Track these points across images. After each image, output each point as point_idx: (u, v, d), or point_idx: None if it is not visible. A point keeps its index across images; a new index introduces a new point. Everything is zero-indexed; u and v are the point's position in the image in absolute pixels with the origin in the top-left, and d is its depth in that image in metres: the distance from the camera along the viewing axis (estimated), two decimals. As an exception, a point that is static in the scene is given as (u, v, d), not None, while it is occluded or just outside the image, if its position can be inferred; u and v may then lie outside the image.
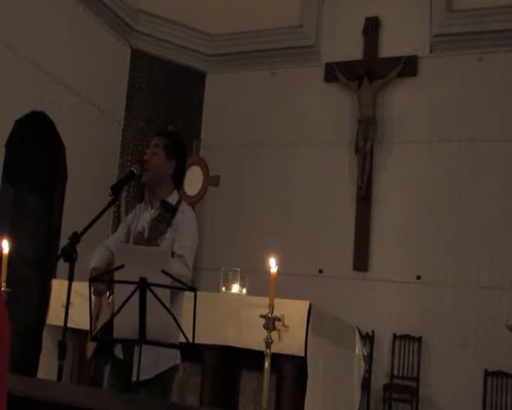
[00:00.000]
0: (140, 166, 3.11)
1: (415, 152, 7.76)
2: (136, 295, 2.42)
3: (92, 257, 3.05)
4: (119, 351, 2.95)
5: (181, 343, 2.58)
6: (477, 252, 7.22)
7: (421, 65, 7.89)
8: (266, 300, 3.43)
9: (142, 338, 2.47)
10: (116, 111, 8.24)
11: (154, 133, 3.29)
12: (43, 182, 7.34)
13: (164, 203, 3.07)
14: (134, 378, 2.74)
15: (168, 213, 3.03)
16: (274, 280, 3.38)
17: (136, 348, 2.75)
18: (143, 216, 3.13)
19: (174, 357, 2.98)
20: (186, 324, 2.47)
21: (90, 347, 2.99)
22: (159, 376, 2.91)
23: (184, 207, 3.12)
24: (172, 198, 3.11)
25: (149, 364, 2.83)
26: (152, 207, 3.12)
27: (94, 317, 2.95)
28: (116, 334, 2.53)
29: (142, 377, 2.75)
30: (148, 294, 2.41)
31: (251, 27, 8.51)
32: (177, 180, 3.19)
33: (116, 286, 2.50)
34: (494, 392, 6.89)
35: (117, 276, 2.47)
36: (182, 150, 3.24)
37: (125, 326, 2.49)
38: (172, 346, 2.66)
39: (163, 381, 2.96)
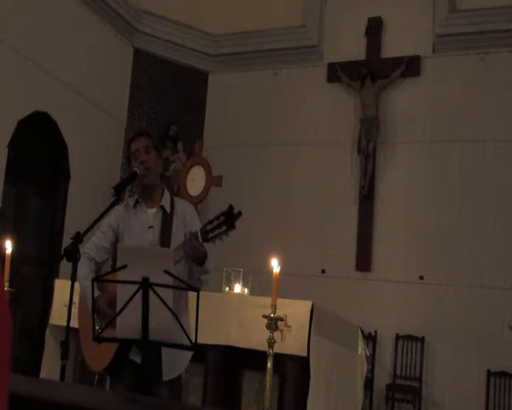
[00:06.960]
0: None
1: (417, 152, 7.76)
2: (141, 294, 2.42)
3: (81, 271, 2.84)
4: (135, 355, 2.88)
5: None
6: (480, 252, 7.22)
7: (424, 65, 7.88)
8: (269, 300, 3.43)
9: (145, 338, 2.46)
10: (119, 111, 8.25)
11: (136, 135, 3.21)
12: (45, 182, 7.35)
13: (165, 209, 3.08)
14: (165, 378, 2.86)
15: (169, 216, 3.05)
16: (276, 280, 3.37)
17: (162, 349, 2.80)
18: (139, 217, 3.06)
19: (188, 356, 3.08)
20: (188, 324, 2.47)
21: (100, 357, 2.93)
22: (180, 375, 3.02)
23: (180, 199, 3.24)
24: (167, 196, 3.13)
25: (176, 363, 2.94)
26: (147, 207, 3.08)
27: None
28: (123, 334, 2.52)
29: (171, 377, 2.90)
30: (154, 294, 2.41)
31: (253, 27, 8.51)
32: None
33: (118, 286, 2.50)
34: (497, 392, 6.88)
35: (120, 276, 2.47)
36: None
37: (130, 326, 2.48)
38: (182, 347, 2.67)
39: (181, 380, 3.08)
